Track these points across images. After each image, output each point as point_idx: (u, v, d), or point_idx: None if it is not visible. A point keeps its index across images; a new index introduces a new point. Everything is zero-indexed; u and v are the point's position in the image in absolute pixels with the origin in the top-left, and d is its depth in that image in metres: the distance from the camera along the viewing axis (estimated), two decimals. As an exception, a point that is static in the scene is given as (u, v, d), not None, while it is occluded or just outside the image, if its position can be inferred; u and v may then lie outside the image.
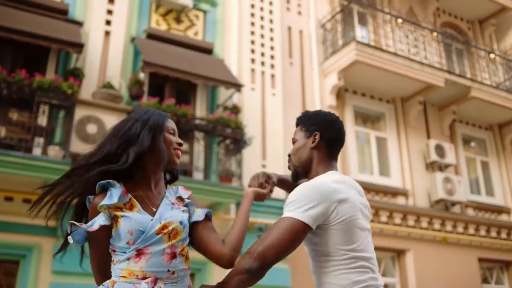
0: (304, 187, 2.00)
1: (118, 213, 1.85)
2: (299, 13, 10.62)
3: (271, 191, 2.27)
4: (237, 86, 8.19)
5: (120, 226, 1.84)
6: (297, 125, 2.29)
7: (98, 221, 1.84)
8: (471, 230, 10.94)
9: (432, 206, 10.62)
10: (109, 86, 7.39)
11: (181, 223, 1.92)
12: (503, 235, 11.36)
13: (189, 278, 1.96)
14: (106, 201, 1.85)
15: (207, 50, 8.84)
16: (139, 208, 1.89)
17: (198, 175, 7.94)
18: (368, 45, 9.97)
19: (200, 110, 8.59)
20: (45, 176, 6.78)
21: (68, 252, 2.00)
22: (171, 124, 2.08)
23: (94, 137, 7.05)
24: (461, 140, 11.97)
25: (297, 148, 2.21)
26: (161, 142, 1.99)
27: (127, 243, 1.84)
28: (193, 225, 1.99)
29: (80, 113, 7.08)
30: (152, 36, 8.41)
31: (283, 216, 1.97)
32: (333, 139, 2.19)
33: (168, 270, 1.85)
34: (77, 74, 7.20)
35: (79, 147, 6.93)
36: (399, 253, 10.08)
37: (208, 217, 2.04)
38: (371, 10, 11.16)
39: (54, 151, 6.73)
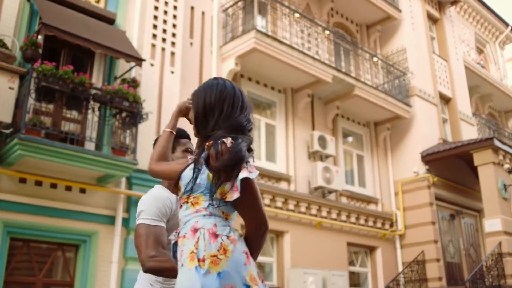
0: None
1: None
2: (203, -6, 10.73)
3: None
4: (139, 60, 8.14)
5: None
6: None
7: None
8: (343, 217, 11.90)
9: (311, 193, 11.38)
10: (1, 44, 6.99)
11: (180, 178, 2.02)
12: (370, 223, 12.50)
13: (203, 217, 1.91)
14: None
15: (109, 20, 8.64)
16: None
17: (90, 146, 7.81)
18: (267, 35, 10.38)
19: (96, 80, 8.42)
20: None
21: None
22: None
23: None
24: (342, 133, 12.91)
25: None
26: None
27: None
28: None
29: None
30: (51, -3, 8.05)
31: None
32: None
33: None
34: (-33, 28, 6.73)
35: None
36: (278, 235, 10.70)
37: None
38: (271, 2, 11.58)
39: None
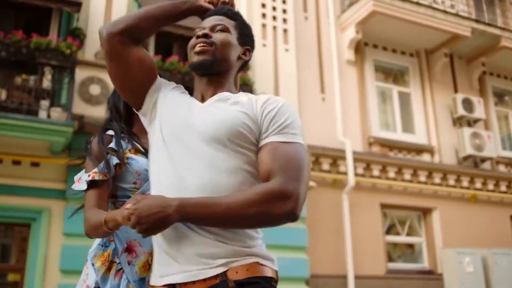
0: (293, 111, 1.66)
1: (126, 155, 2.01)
2: (314, -35, 10.11)
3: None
4: (245, 41, 7.85)
5: (128, 167, 1.97)
6: (233, 19, 1.81)
7: (113, 161, 1.97)
8: (503, 187, 10.43)
9: (460, 163, 10.13)
10: (111, 45, 7.17)
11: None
12: (538, 192, 10.80)
13: None
14: (113, 145, 2.01)
15: (215, 6, 8.50)
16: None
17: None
18: (387, -5, 9.43)
19: (209, 68, 8.32)
20: (49, 139, 6.68)
21: (80, 214, 1.97)
22: None
23: (98, 99, 6.90)
24: (492, 93, 11.33)
25: (230, 42, 1.74)
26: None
27: (134, 183, 1.97)
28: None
29: (82, 74, 6.93)
30: (157, -7, 8.12)
31: (296, 142, 1.57)
32: (246, 64, 1.88)
33: None
34: (78, 34, 7.01)
35: (82, 108, 6.80)
36: (425, 212, 9.69)
37: None
38: (392, -41, 10.52)
39: (56, 113, 6.59)
